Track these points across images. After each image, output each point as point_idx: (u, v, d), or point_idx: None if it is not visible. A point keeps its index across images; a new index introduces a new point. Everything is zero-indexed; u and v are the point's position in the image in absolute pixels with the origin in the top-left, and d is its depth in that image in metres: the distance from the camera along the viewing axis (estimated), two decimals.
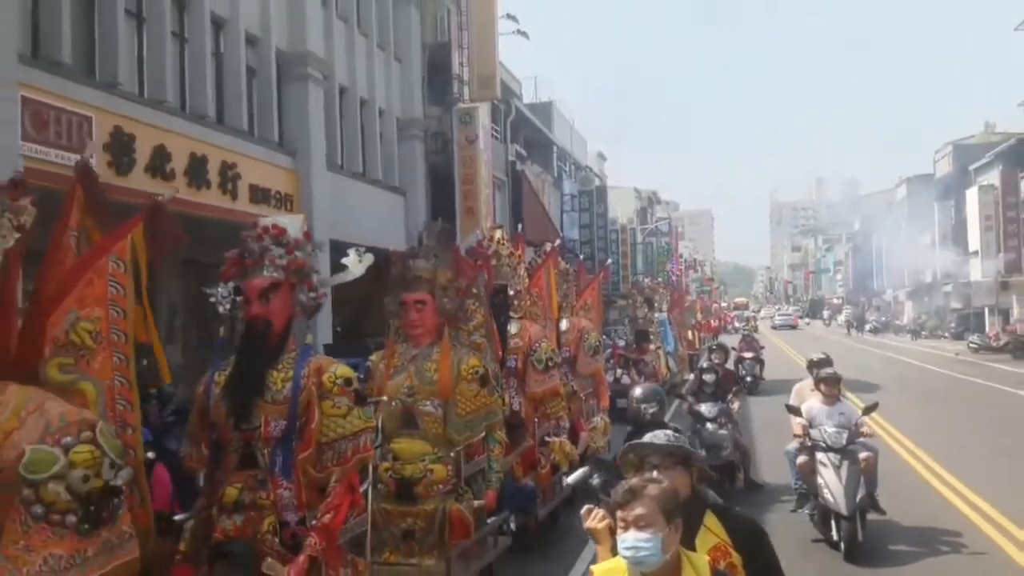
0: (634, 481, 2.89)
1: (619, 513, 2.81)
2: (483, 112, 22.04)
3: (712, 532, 3.34)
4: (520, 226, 13.03)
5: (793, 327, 68.92)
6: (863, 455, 7.92)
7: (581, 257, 29.10)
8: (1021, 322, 40.05)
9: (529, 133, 32.83)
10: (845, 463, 7.77)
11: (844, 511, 7.56)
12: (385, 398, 5.46)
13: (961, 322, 48.63)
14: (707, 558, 3.02)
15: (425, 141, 21.32)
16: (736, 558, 3.29)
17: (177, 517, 4.60)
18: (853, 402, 9.61)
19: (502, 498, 6.27)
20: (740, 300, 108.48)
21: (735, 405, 10.83)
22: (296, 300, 4.20)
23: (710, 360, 13.27)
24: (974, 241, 46.33)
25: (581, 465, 8.53)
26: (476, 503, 5.80)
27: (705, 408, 10.31)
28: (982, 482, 10.15)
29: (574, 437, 9.11)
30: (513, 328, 8.13)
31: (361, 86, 18.74)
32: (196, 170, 12.46)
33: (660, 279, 39.56)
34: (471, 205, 21.23)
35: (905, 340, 49.90)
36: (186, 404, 6.40)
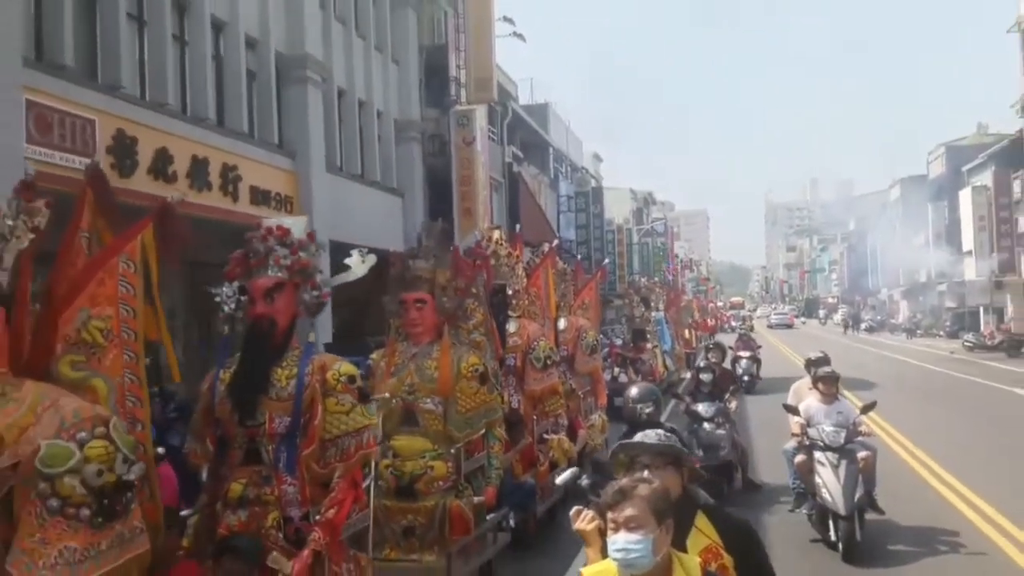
0: (624, 481, 2.81)
1: (609, 514, 2.74)
2: (480, 114, 22.08)
3: (703, 533, 3.29)
4: (517, 227, 13.08)
5: (789, 326, 68.87)
6: (861, 454, 7.86)
7: (579, 257, 29.15)
8: (1015, 321, 40.14)
9: (526, 135, 32.83)
10: (843, 462, 7.69)
11: (842, 511, 7.47)
12: (387, 395, 5.52)
13: (956, 321, 48.76)
14: (698, 559, 2.94)
15: (423, 143, 21.38)
16: (727, 559, 3.25)
17: (183, 513, 4.68)
18: (851, 401, 9.54)
19: (501, 495, 6.33)
20: (736, 299, 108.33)
21: (732, 404, 10.79)
22: (300, 299, 4.28)
23: (707, 359, 13.27)
24: (968, 241, 46.38)
25: (580, 462, 8.64)
26: (476, 500, 5.87)
27: (702, 408, 10.18)
28: (981, 482, 10.08)
29: (572, 435, 9.18)
30: (512, 327, 8.19)
31: (359, 88, 18.80)
32: (198, 172, 12.54)
33: (656, 279, 39.59)
34: (469, 206, 21.27)
35: (901, 339, 49.97)
36: (188, 402, 6.49)
